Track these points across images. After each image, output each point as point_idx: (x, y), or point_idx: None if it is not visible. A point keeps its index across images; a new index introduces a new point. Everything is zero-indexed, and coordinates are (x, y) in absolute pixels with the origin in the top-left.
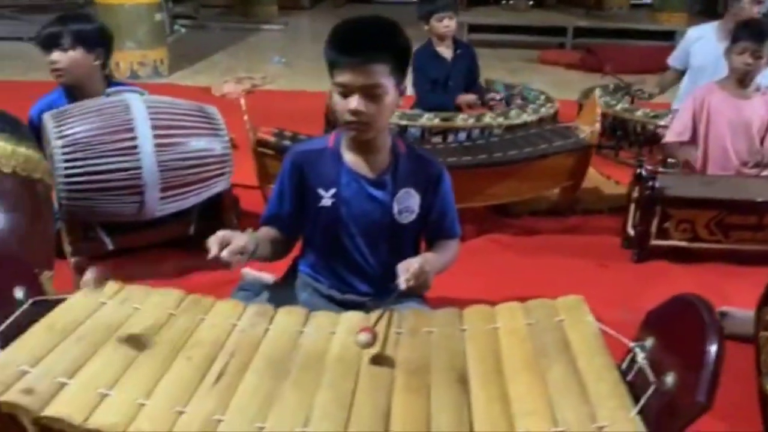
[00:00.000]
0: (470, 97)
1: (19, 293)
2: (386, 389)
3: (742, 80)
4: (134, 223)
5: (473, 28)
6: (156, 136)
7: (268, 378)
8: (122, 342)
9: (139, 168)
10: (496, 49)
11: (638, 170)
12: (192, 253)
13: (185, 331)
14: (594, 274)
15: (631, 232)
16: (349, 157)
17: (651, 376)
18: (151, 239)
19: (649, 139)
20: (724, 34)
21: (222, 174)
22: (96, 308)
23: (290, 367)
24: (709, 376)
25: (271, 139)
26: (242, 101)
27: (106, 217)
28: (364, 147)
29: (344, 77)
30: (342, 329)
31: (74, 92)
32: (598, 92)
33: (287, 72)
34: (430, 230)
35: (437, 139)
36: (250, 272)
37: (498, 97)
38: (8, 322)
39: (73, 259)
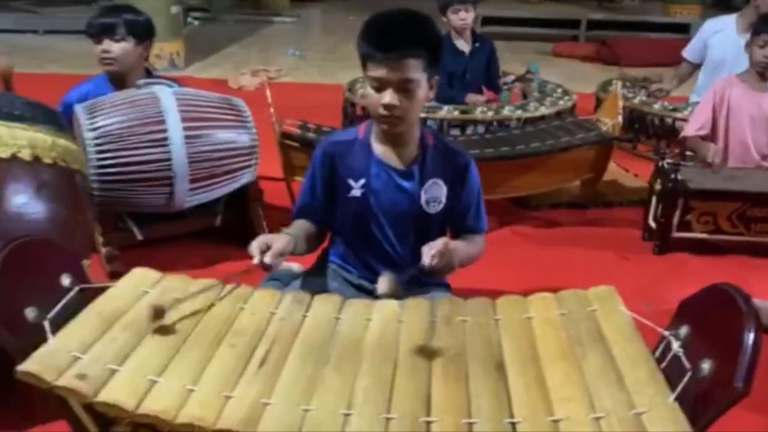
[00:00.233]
0: (479, 98)
1: (65, 280)
2: (425, 375)
3: (762, 74)
4: (162, 214)
5: (486, 21)
6: (185, 128)
7: (310, 363)
8: (166, 330)
9: (169, 159)
10: (510, 42)
11: (660, 163)
12: (219, 244)
13: (226, 319)
14: (616, 265)
15: (652, 224)
16: (379, 149)
17: (687, 364)
18: (178, 230)
19: (667, 132)
20: (745, 27)
21: (249, 166)
22: (139, 297)
23: (330, 353)
24: (746, 362)
25: (296, 131)
26: (268, 92)
27: (137, 207)
28: (393, 139)
29: (379, 72)
30: (377, 317)
31: (117, 81)
32: (618, 85)
33: (302, 64)
34: (456, 222)
35: (455, 132)
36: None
37: (509, 79)
38: (58, 308)
39: (104, 249)
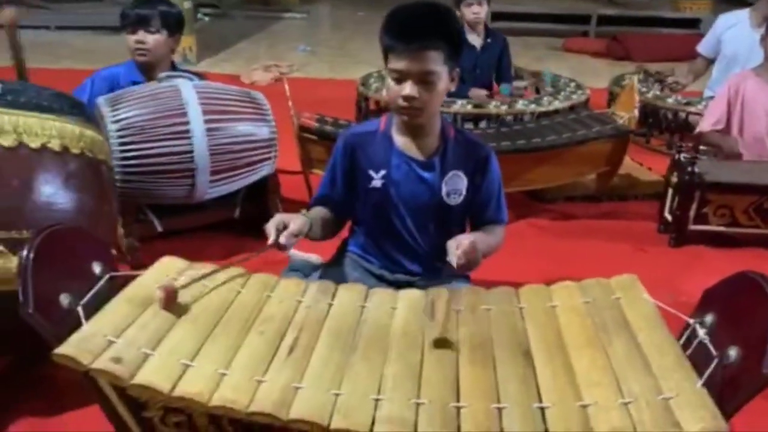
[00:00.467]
0: (480, 92)
1: (97, 268)
2: (452, 362)
3: None
4: (182, 206)
5: (497, 16)
6: (207, 121)
7: (338, 350)
8: (198, 318)
9: (191, 152)
10: (520, 37)
11: (677, 156)
12: (238, 236)
13: (254, 307)
14: (632, 258)
15: (668, 217)
16: (400, 140)
17: (713, 351)
18: (198, 222)
19: (680, 127)
20: (758, 22)
21: (268, 158)
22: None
23: (357, 340)
24: None
25: (314, 124)
26: (286, 86)
27: (159, 199)
28: (414, 130)
29: (400, 64)
30: (402, 305)
31: (146, 70)
32: (635, 78)
33: (313, 60)
34: (476, 213)
35: (469, 126)
36: (297, 254)
37: (522, 84)
38: (90, 294)
39: (125, 240)
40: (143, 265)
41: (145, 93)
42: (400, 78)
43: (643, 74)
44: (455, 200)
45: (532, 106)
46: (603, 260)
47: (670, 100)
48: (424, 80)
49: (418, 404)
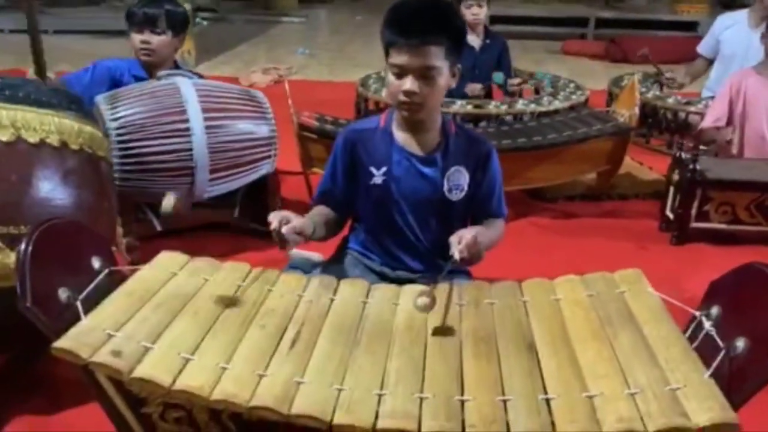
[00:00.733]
0: (475, 86)
1: (96, 263)
2: (456, 356)
3: None
4: None
5: (495, 19)
6: (206, 119)
7: (340, 345)
8: (198, 312)
9: (190, 150)
10: (519, 41)
11: (678, 153)
12: (237, 235)
13: (255, 301)
14: (634, 255)
15: (670, 215)
16: (401, 136)
17: (720, 342)
18: (197, 221)
19: (680, 127)
20: (756, 22)
21: (268, 157)
22: (168, 278)
23: (360, 335)
24: None
25: (314, 123)
26: (287, 85)
27: (157, 198)
28: (415, 126)
29: (401, 58)
30: (405, 300)
31: (149, 68)
32: (635, 77)
33: (312, 62)
34: (477, 208)
35: (469, 126)
36: (297, 252)
37: (515, 81)
38: (89, 289)
39: (124, 240)
40: (142, 264)
41: (144, 91)
42: (401, 73)
43: (642, 75)
44: (457, 196)
45: (532, 106)
46: (605, 258)
47: (670, 100)
48: (425, 75)
49: (421, 398)
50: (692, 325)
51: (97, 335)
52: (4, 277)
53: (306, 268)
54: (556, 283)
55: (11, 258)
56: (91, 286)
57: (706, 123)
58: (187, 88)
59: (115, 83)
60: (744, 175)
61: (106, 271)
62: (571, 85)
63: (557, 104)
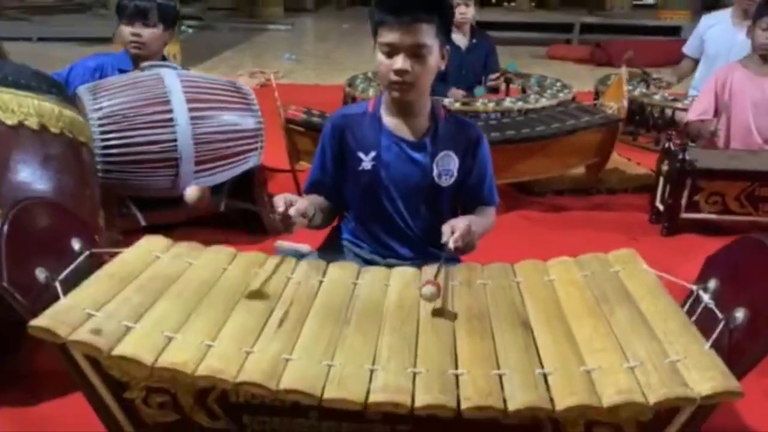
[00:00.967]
0: (458, 93)
1: (76, 245)
2: (449, 333)
3: (765, 57)
4: (166, 200)
5: (480, 25)
6: (191, 109)
7: (330, 323)
8: (182, 293)
9: (174, 140)
10: (505, 47)
11: (667, 144)
12: (223, 230)
13: (241, 282)
14: (625, 247)
15: (660, 206)
16: (389, 121)
17: (719, 314)
18: (182, 216)
19: (667, 124)
20: (738, 19)
21: (254, 149)
22: (151, 261)
23: (350, 314)
24: None
25: (301, 115)
26: (272, 77)
27: (141, 190)
28: (404, 110)
29: (391, 36)
30: (396, 282)
31: (138, 62)
32: (623, 70)
33: (298, 67)
34: (467, 195)
35: None
36: (285, 244)
37: (494, 76)
38: (69, 270)
39: (107, 233)
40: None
41: (126, 81)
42: (391, 52)
43: (628, 72)
44: (447, 181)
45: (519, 104)
46: (595, 250)
47: (656, 97)
48: (416, 54)
49: (415, 373)
50: (690, 300)
51: (76, 314)
52: None
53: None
54: (550, 265)
55: None
56: (71, 267)
57: (692, 116)
58: (171, 78)
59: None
60: (733, 164)
61: (87, 252)
62: (558, 83)
63: (544, 102)
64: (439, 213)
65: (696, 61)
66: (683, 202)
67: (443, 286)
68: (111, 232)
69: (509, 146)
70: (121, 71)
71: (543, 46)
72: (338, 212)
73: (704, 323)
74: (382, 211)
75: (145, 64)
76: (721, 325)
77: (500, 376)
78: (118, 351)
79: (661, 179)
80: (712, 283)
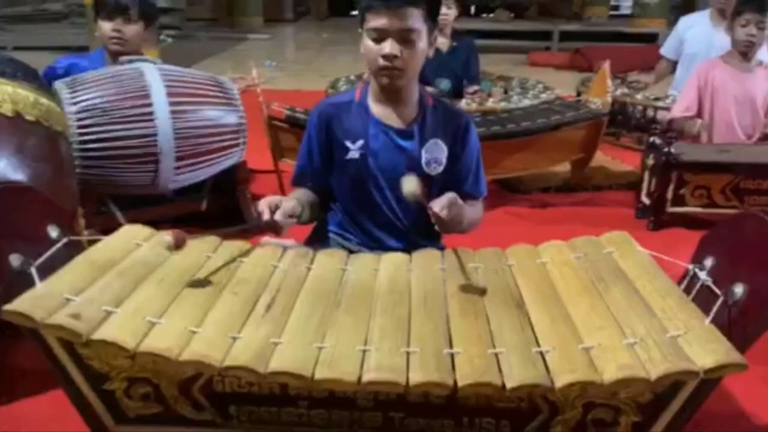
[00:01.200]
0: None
1: (53, 232)
2: (442, 314)
3: (745, 53)
4: (146, 198)
5: (461, 34)
6: (171, 103)
7: (319, 308)
8: (164, 279)
9: (154, 135)
10: (485, 54)
11: (652, 138)
12: (204, 230)
13: (226, 270)
14: None
15: (646, 200)
16: (377, 109)
17: (717, 291)
18: (163, 214)
19: (649, 123)
20: (716, 20)
21: (236, 145)
22: (132, 249)
23: (340, 298)
24: None
25: (284, 111)
26: (254, 72)
27: (120, 187)
28: (392, 98)
29: (380, 21)
30: (386, 267)
31: (116, 60)
32: (606, 65)
33: (279, 74)
34: (455, 186)
35: None
36: (271, 241)
37: (471, 90)
38: (45, 256)
39: (86, 232)
40: None
41: (105, 75)
42: (380, 37)
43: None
44: (435, 169)
45: (503, 104)
46: None
47: (638, 97)
48: (405, 38)
49: (408, 353)
50: (686, 280)
51: (53, 299)
52: None
53: None
54: (541, 248)
55: None
56: (48, 253)
57: (676, 112)
58: (151, 72)
59: None
60: (718, 157)
61: (65, 240)
62: (540, 85)
63: (527, 102)
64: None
65: (673, 63)
66: (669, 195)
67: (434, 272)
68: (90, 231)
69: (495, 142)
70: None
71: (523, 54)
72: (325, 205)
73: (702, 302)
74: (370, 200)
75: (125, 58)
76: (720, 301)
77: (497, 355)
78: (98, 335)
79: (647, 173)
80: (709, 261)
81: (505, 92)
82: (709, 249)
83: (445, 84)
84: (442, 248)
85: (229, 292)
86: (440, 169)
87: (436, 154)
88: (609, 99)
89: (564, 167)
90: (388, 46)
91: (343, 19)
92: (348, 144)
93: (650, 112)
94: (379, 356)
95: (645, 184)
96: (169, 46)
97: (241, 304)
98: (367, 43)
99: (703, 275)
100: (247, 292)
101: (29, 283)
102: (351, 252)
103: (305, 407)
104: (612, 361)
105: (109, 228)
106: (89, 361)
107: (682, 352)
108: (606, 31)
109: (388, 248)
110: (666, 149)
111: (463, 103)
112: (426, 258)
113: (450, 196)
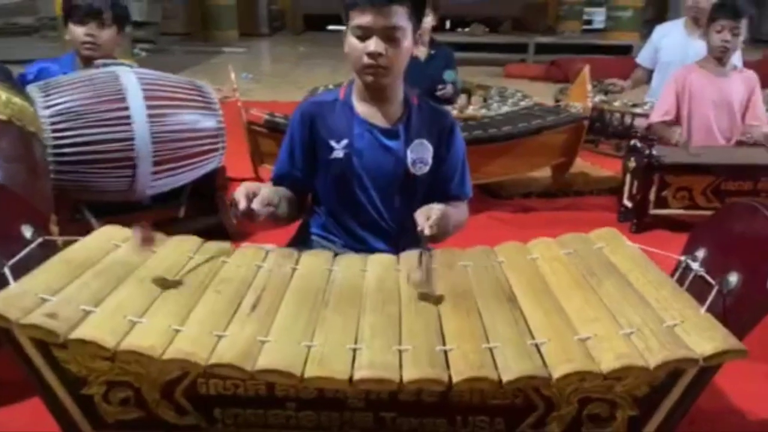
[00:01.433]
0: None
1: (27, 232)
2: (434, 312)
3: (720, 58)
4: (122, 205)
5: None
6: (149, 107)
7: (307, 306)
8: (144, 278)
9: (131, 139)
10: (461, 67)
11: (633, 141)
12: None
13: (209, 270)
14: None
15: (628, 203)
16: (362, 108)
17: (711, 281)
18: (139, 221)
19: (628, 130)
20: (690, 29)
21: (215, 150)
22: (111, 249)
23: (327, 297)
24: None
25: (264, 116)
26: (233, 76)
27: (96, 193)
28: (377, 97)
29: (364, 19)
30: (373, 267)
31: (87, 65)
32: (586, 69)
33: (256, 86)
34: (440, 187)
35: None
36: (251, 245)
37: (441, 87)
38: (20, 256)
39: (60, 240)
40: None
41: (80, 79)
42: (364, 35)
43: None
44: (421, 169)
45: (482, 111)
46: None
47: (616, 104)
48: (390, 36)
49: (401, 350)
50: (678, 272)
51: (29, 298)
52: None
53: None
54: (531, 245)
55: None
56: (22, 253)
57: (655, 117)
58: (127, 75)
59: None
60: (699, 159)
61: (39, 240)
62: (518, 94)
63: (506, 109)
64: (413, 205)
65: (649, 71)
66: (651, 197)
67: (424, 269)
68: (64, 239)
69: (477, 146)
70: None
71: (499, 66)
72: (304, 207)
73: (695, 293)
74: (354, 201)
75: (99, 62)
76: (714, 290)
77: (491, 350)
78: (76, 334)
79: (628, 176)
80: (701, 253)
81: (485, 101)
82: (700, 241)
83: (448, 74)
84: (429, 249)
85: (212, 291)
86: (426, 169)
87: (421, 154)
88: (589, 103)
89: (545, 173)
90: (373, 44)
91: (320, 33)
92: (332, 143)
93: (628, 119)
94: (370, 354)
95: (627, 188)
96: (143, 59)
97: (225, 303)
98: (352, 41)
99: (695, 266)
100: (230, 291)
101: (3, 283)
102: (335, 254)
103: (293, 409)
104: (609, 350)
105: (83, 236)
106: (66, 364)
107: (680, 341)
108: (581, 44)
109: (373, 249)
110: (647, 151)
111: None
112: (414, 259)
113: (437, 212)
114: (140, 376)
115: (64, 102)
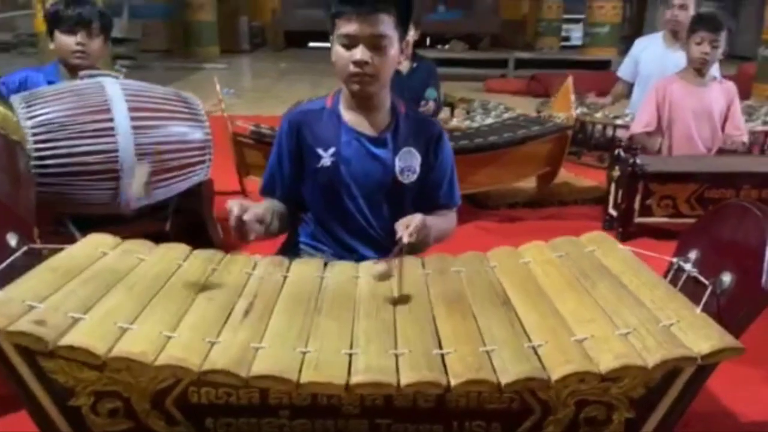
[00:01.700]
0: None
1: (12, 240)
2: (429, 317)
3: (700, 70)
4: (107, 218)
5: None
6: (134, 118)
7: (300, 313)
8: (134, 286)
9: (115, 151)
10: (442, 82)
11: (617, 150)
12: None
13: (199, 278)
14: None
15: (613, 212)
16: (349, 116)
17: (705, 281)
18: (125, 235)
19: (610, 141)
20: (669, 42)
21: (202, 161)
22: (98, 257)
23: (320, 304)
24: None
25: (250, 127)
26: (218, 86)
27: (80, 206)
28: (364, 105)
29: (350, 27)
30: (365, 274)
31: (73, 74)
32: (569, 80)
33: (238, 102)
34: (428, 195)
35: None
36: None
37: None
38: (4, 264)
39: (43, 254)
40: None
41: (64, 89)
42: (350, 43)
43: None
44: (409, 178)
45: (467, 123)
46: None
47: (598, 115)
48: (376, 45)
49: (397, 355)
50: (670, 274)
51: (15, 306)
52: None
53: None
54: (522, 249)
55: None
56: (7, 261)
57: (636, 128)
58: (112, 86)
59: None
60: (683, 167)
61: (25, 248)
62: (501, 106)
63: (489, 121)
64: (401, 213)
65: (629, 85)
66: (636, 206)
67: (402, 273)
68: (47, 252)
69: (462, 156)
70: (50, 84)
71: (479, 82)
72: (294, 217)
73: (689, 294)
74: (343, 210)
75: (84, 72)
76: (709, 290)
77: (488, 353)
78: (65, 341)
79: (613, 186)
80: (693, 254)
81: (468, 113)
82: (691, 243)
83: (430, 92)
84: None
85: (203, 298)
86: (414, 177)
87: (409, 162)
88: (573, 113)
89: (530, 183)
90: (359, 53)
91: (301, 50)
92: (320, 151)
93: (609, 131)
94: (367, 359)
95: (611, 197)
96: (123, 76)
97: (217, 309)
98: (338, 49)
99: (688, 267)
100: (222, 298)
101: None
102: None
103: (287, 417)
104: (607, 351)
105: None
106: (52, 374)
107: (677, 340)
108: (561, 59)
109: (362, 258)
110: (632, 161)
111: None
112: (406, 264)
113: (417, 221)
114: (130, 386)
115: (47, 113)
